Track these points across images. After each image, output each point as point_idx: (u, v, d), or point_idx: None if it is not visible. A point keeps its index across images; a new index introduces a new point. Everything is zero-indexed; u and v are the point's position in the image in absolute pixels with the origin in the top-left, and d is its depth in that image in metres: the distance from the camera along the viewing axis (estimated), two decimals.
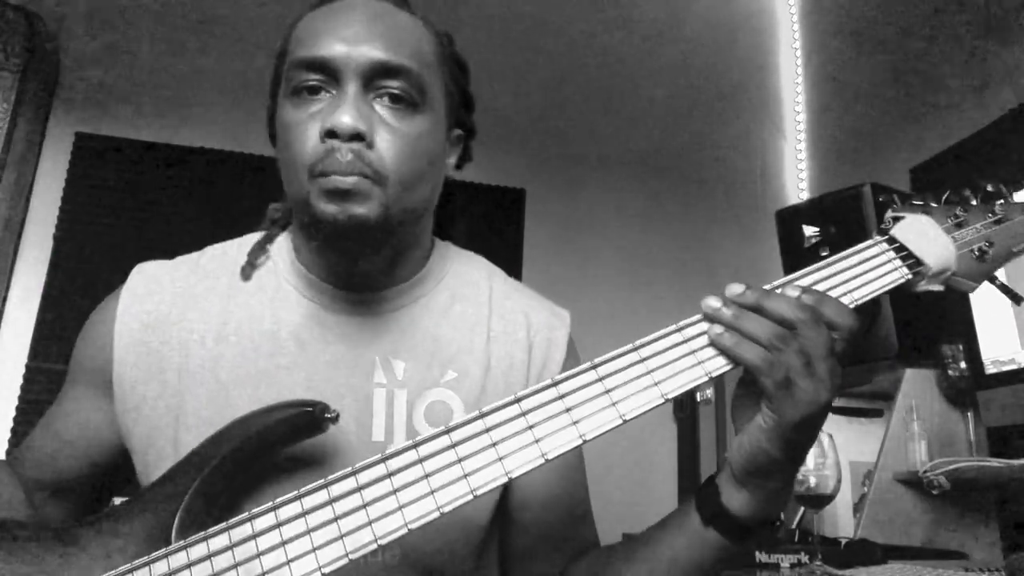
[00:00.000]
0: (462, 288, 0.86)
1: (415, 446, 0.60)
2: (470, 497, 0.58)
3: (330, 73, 0.73)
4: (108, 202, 2.34)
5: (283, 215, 0.89)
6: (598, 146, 2.76)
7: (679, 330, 0.63)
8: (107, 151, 2.36)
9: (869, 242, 0.70)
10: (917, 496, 1.62)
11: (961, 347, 1.58)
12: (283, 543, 0.59)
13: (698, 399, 2.27)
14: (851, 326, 0.61)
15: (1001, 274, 0.74)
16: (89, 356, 0.83)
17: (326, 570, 0.58)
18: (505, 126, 2.62)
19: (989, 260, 0.71)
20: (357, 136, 0.71)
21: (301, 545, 0.59)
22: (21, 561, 0.66)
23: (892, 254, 0.69)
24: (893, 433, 1.64)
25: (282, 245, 0.86)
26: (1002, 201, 0.73)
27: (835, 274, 0.67)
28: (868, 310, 1.70)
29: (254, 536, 0.60)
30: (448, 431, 0.60)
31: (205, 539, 0.61)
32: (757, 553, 1.42)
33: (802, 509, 1.70)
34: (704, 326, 0.63)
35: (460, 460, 0.59)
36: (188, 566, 0.60)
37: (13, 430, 2.15)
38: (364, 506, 0.59)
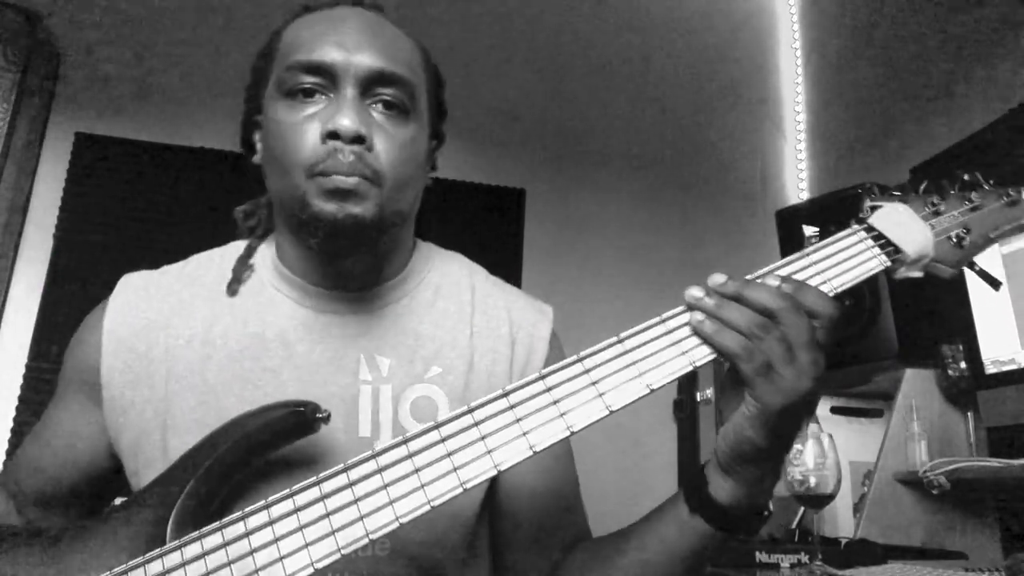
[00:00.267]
0: (445, 286, 0.88)
1: (405, 442, 0.60)
2: (460, 490, 0.59)
3: (329, 77, 0.76)
4: (108, 202, 2.33)
5: (261, 219, 0.90)
6: (598, 146, 2.76)
7: (663, 321, 0.64)
8: (107, 151, 2.36)
9: (848, 231, 0.71)
10: (917, 496, 1.61)
11: (961, 347, 1.58)
12: (276, 540, 0.59)
13: (698, 399, 2.26)
14: (831, 314, 0.62)
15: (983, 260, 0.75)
16: (77, 365, 0.84)
17: (318, 565, 0.58)
18: (505, 126, 2.61)
19: (967, 246, 0.72)
20: (359, 139, 0.73)
21: (294, 541, 0.59)
22: (15, 564, 0.66)
23: (871, 242, 0.70)
24: (893, 433, 1.64)
25: (264, 252, 0.87)
26: (978, 190, 0.75)
27: (815, 263, 0.67)
28: (868, 310, 1.70)
29: (247, 534, 0.60)
30: (438, 426, 0.61)
31: (199, 538, 0.61)
32: (757, 553, 1.42)
33: (802, 509, 1.70)
34: (687, 317, 0.63)
35: (450, 454, 0.60)
36: (182, 565, 0.61)
37: (13, 430, 2.15)
38: (355, 501, 0.59)
